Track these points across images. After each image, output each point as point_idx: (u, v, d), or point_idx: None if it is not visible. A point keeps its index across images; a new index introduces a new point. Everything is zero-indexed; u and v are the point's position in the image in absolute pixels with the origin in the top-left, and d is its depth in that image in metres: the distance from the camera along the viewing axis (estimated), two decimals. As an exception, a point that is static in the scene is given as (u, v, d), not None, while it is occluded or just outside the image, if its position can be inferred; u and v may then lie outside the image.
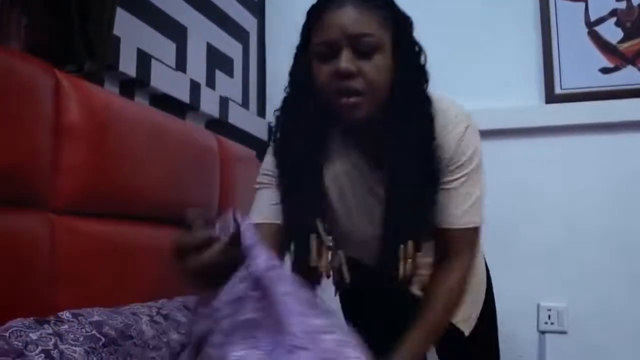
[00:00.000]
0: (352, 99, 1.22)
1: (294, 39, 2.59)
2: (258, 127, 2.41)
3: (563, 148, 2.28)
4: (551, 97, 2.31)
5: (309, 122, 1.32)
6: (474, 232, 1.35)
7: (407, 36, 1.30)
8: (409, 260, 1.31)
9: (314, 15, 1.31)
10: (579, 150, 2.27)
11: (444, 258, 1.36)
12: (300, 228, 1.34)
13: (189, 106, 1.91)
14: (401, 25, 1.29)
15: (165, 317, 1.35)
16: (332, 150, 1.37)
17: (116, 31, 1.53)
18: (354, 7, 1.23)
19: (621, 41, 2.29)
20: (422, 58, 1.33)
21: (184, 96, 1.87)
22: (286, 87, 1.42)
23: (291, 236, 1.36)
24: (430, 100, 1.31)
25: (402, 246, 1.30)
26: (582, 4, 2.33)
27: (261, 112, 2.53)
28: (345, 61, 1.21)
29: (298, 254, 1.36)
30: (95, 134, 1.34)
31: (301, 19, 2.61)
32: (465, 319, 1.48)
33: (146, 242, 1.50)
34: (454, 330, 1.45)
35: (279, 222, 1.35)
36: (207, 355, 0.98)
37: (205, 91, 2.00)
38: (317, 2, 1.31)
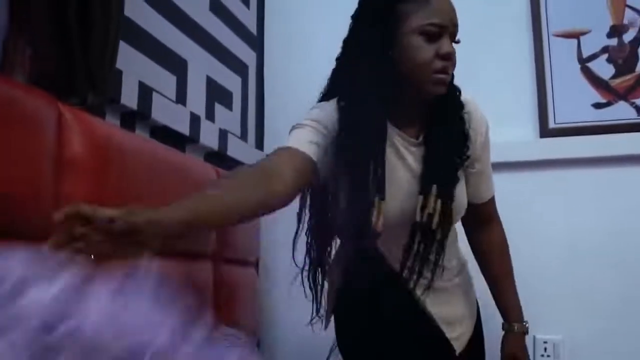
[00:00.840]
0: (444, 76, 1.42)
1: (293, 72, 2.66)
2: (256, 159, 2.42)
3: (558, 181, 2.31)
4: (545, 131, 2.34)
5: (381, 91, 1.42)
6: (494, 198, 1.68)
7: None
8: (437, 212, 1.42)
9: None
10: (574, 184, 2.29)
11: (482, 224, 1.68)
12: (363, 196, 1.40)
13: (188, 138, 1.94)
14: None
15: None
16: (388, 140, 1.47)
17: (118, 64, 1.56)
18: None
19: (613, 77, 2.33)
20: None
21: (184, 129, 1.89)
22: (354, 55, 1.51)
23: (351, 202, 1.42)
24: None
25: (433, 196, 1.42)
26: (575, 41, 2.38)
27: (259, 144, 2.56)
28: (450, 46, 1.41)
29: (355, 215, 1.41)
30: (96, 165, 1.36)
31: (299, 53, 2.67)
32: (459, 337, 1.55)
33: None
34: (447, 347, 1.51)
35: (314, 159, 1.40)
36: None
37: (204, 124, 2.03)
38: None
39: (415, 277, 1.45)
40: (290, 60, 2.68)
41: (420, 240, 1.44)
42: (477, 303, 1.71)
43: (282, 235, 2.52)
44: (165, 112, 1.80)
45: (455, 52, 1.42)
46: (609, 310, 2.18)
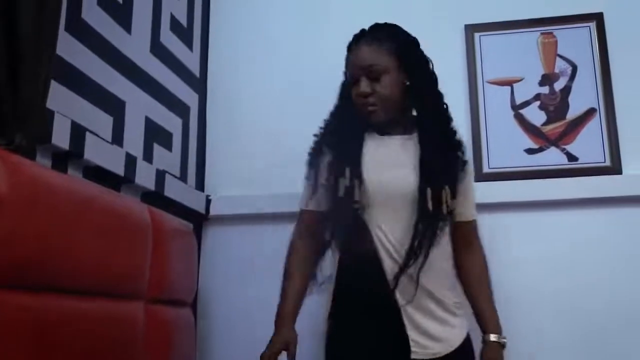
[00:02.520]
0: (369, 108, 1.81)
1: (236, 113, 2.69)
2: (196, 200, 2.44)
3: (492, 225, 2.34)
4: (480, 175, 2.39)
5: (349, 122, 1.88)
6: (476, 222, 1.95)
7: (410, 56, 1.84)
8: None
9: (346, 56, 1.88)
10: (507, 227, 2.35)
11: (466, 245, 1.92)
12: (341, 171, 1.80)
13: (124, 179, 1.94)
14: (404, 49, 1.82)
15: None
16: (367, 139, 1.87)
17: (50, 104, 1.56)
18: (365, 45, 1.81)
19: (545, 124, 2.42)
20: (430, 66, 1.89)
21: (119, 169, 1.89)
22: (336, 102, 1.95)
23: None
24: (442, 95, 1.89)
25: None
26: (508, 88, 2.46)
27: (200, 185, 2.57)
28: (363, 86, 1.80)
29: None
30: (23, 207, 1.34)
31: (242, 95, 2.70)
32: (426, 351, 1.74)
33: (74, 314, 1.49)
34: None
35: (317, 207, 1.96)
36: None
37: (141, 164, 2.03)
38: (348, 45, 1.88)
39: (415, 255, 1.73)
40: (233, 102, 2.71)
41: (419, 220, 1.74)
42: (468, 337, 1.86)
43: (220, 276, 2.54)
44: (99, 153, 1.79)
45: (374, 87, 1.80)
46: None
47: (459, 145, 1.89)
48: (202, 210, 2.48)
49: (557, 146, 2.39)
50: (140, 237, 1.80)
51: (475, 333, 1.89)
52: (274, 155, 2.61)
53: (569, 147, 2.38)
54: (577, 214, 2.36)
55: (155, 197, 2.13)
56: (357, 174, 1.78)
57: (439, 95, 1.89)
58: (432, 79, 1.89)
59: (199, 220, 2.52)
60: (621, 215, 2.33)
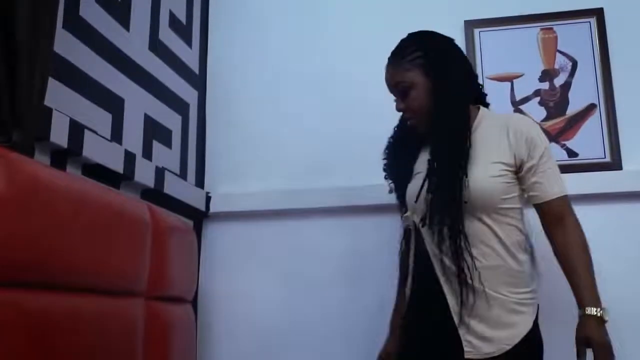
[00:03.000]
0: (409, 123, 1.87)
1: (235, 110, 2.68)
2: (196, 198, 2.44)
3: None
4: (480, 171, 2.39)
5: (404, 136, 1.98)
6: (566, 198, 1.80)
7: (435, 63, 1.82)
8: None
9: None
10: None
11: (553, 224, 1.80)
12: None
13: (123, 176, 1.93)
14: (428, 59, 1.82)
15: (84, 388, 1.35)
16: (422, 152, 1.92)
17: (48, 102, 1.56)
18: (390, 64, 1.87)
19: (545, 119, 2.41)
20: (460, 71, 1.85)
21: (118, 166, 1.89)
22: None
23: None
24: (466, 102, 1.84)
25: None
26: (508, 84, 2.46)
27: (200, 182, 2.57)
28: (397, 103, 1.87)
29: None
30: (21, 204, 1.35)
31: (242, 92, 2.70)
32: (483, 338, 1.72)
33: (73, 312, 1.50)
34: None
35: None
36: None
37: (140, 161, 2.03)
38: None
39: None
40: (232, 98, 2.71)
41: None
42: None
43: (221, 273, 2.54)
44: (98, 150, 1.79)
45: (406, 103, 1.84)
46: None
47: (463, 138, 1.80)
48: (202, 208, 2.48)
49: (557, 142, 2.38)
50: (140, 234, 1.80)
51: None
52: (273, 152, 2.61)
53: (569, 143, 2.38)
54: (577, 210, 2.33)
55: (155, 195, 2.13)
56: (399, 191, 1.95)
57: (464, 95, 1.84)
58: (459, 79, 1.84)
59: (199, 217, 2.52)
60: (621, 210, 2.32)
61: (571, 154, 2.37)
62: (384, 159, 2.01)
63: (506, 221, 1.78)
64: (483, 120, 1.85)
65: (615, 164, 2.32)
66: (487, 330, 1.71)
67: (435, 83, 1.80)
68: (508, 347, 1.70)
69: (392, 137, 2.01)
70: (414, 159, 1.92)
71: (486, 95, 1.99)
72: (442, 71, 1.81)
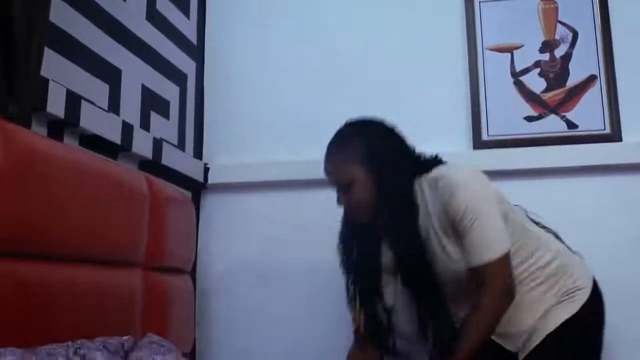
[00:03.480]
0: (351, 216, 1.86)
1: (233, 81, 2.67)
2: (194, 169, 2.43)
3: None
4: (479, 143, 2.39)
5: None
6: (493, 265, 1.66)
7: (374, 157, 1.75)
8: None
9: None
10: (506, 195, 2.33)
11: (476, 287, 1.69)
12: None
13: (120, 147, 1.93)
14: (367, 153, 1.75)
15: (83, 357, 1.35)
16: None
17: (45, 72, 1.55)
18: (330, 158, 1.82)
19: (544, 91, 2.40)
20: (400, 157, 1.79)
21: (116, 137, 1.88)
22: None
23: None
24: (410, 185, 1.77)
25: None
26: (508, 55, 2.44)
27: (198, 153, 2.56)
28: (337, 197, 1.82)
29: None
30: (18, 175, 1.34)
31: (240, 62, 2.68)
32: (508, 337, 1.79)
33: (69, 282, 1.50)
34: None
35: None
36: None
37: (138, 132, 2.02)
38: None
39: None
40: (230, 70, 2.69)
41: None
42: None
43: (219, 244, 2.54)
44: (95, 121, 1.78)
45: (346, 198, 1.80)
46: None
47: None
48: (200, 179, 2.48)
49: (557, 113, 2.38)
50: (138, 205, 1.80)
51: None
52: (272, 123, 2.60)
53: (569, 115, 2.37)
54: (576, 182, 2.36)
55: (153, 166, 2.13)
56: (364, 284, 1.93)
57: (410, 187, 1.78)
58: (402, 167, 1.78)
59: (197, 188, 2.52)
60: (621, 182, 2.32)
61: (571, 125, 2.36)
62: (341, 251, 1.91)
63: None
64: (424, 191, 1.78)
65: (615, 136, 2.32)
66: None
67: (377, 177, 1.75)
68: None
69: (343, 229, 1.92)
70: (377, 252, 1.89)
71: (421, 159, 1.86)
72: (383, 163, 1.75)
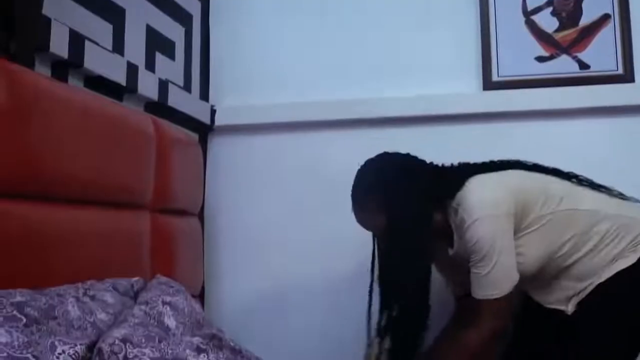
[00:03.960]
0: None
1: (239, 21, 2.62)
2: (201, 111, 2.41)
3: (500, 134, 2.33)
4: (489, 84, 2.35)
5: None
6: (491, 302, 1.70)
7: (394, 202, 1.75)
8: None
9: None
10: (516, 136, 2.32)
11: (468, 316, 1.77)
12: None
13: (125, 88, 1.90)
14: (387, 202, 1.75)
15: (92, 297, 1.36)
16: None
17: (47, 11, 1.52)
18: (355, 211, 1.81)
19: (557, 30, 2.35)
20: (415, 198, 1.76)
21: (120, 78, 1.86)
22: None
23: None
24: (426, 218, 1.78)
25: None
26: (520, -7, 2.38)
27: (204, 95, 2.53)
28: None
29: None
30: (22, 116, 1.33)
31: (246, 3, 2.62)
32: (557, 301, 1.81)
33: (76, 224, 1.51)
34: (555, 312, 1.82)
35: None
36: None
37: (143, 74, 1.99)
38: None
39: None
40: (237, 9, 2.63)
41: None
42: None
43: (226, 186, 2.54)
44: (99, 62, 1.75)
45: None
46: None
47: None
48: (207, 121, 2.46)
49: (569, 54, 2.33)
50: (144, 146, 1.79)
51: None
52: (279, 64, 2.56)
53: (581, 55, 2.32)
54: (587, 123, 2.33)
55: (159, 108, 2.10)
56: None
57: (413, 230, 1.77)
58: (413, 210, 1.77)
59: (204, 130, 2.50)
60: (633, 124, 2.29)
61: (583, 66, 2.32)
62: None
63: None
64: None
65: (628, 77, 2.28)
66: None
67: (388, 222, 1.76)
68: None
69: None
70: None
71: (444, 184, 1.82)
72: (399, 208, 1.75)
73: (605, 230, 1.75)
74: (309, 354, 2.37)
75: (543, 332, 1.88)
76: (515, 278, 1.70)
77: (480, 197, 1.71)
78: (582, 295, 1.77)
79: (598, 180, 1.92)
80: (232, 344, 1.50)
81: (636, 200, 1.87)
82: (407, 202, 1.75)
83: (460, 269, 1.82)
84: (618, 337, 1.73)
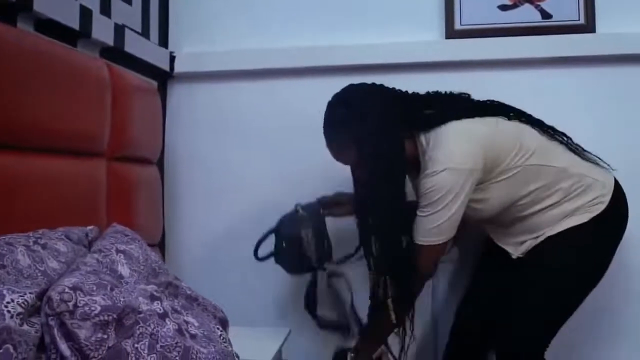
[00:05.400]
0: None
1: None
2: (159, 57, 2.36)
3: (463, 83, 2.26)
4: (451, 32, 2.34)
5: None
6: (428, 248, 1.77)
7: (365, 128, 1.76)
8: None
9: None
10: (478, 85, 2.28)
11: None
12: None
13: (79, 33, 1.85)
14: (358, 134, 1.76)
15: (44, 246, 1.34)
16: None
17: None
18: (328, 147, 1.85)
19: (520, -22, 2.33)
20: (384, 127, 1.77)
21: (73, 22, 1.80)
22: None
23: None
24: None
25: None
26: (483, -56, 2.35)
27: (163, 41, 2.47)
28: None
29: None
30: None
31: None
32: (508, 244, 1.92)
33: (29, 172, 1.48)
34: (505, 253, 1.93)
35: None
36: None
37: (98, 18, 1.93)
38: None
39: None
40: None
41: None
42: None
43: (187, 134, 2.51)
44: (50, 5, 1.69)
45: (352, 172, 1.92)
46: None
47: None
48: (166, 68, 2.41)
49: (532, 3, 2.31)
50: (99, 93, 1.75)
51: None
52: (241, 9, 2.51)
53: (544, 4, 2.31)
54: (549, 73, 2.34)
55: (115, 54, 2.05)
56: None
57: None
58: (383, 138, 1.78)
59: (164, 78, 2.46)
60: (594, 74, 2.31)
61: (545, 15, 2.31)
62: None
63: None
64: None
65: (589, 27, 2.27)
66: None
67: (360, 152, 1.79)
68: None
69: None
70: None
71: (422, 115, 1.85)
72: (370, 141, 1.76)
73: (568, 187, 1.80)
74: (269, 296, 2.41)
75: (500, 267, 1.96)
76: (452, 233, 1.77)
77: (452, 149, 1.72)
78: (533, 243, 1.84)
79: (559, 128, 1.94)
80: (188, 291, 1.50)
81: (608, 166, 1.90)
82: (378, 127, 1.76)
83: None
84: (557, 288, 1.81)
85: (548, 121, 1.94)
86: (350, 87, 1.85)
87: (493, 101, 1.89)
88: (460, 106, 1.83)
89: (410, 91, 1.90)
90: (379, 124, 1.77)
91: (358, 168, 1.86)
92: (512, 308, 1.87)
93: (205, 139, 2.51)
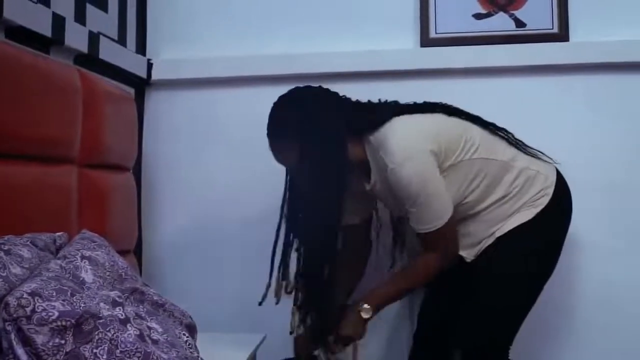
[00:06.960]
0: None
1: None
2: (136, 64, 2.37)
3: (437, 91, 2.29)
4: (426, 41, 2.36)
5: None
6: (434, 233, 1.79)
7: (310, 138, 1.77)
8: None
9: None
10: (453, 94, 2.30)
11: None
12: None
13: (52, 41, 1.85)
14: (301, 136, 1.77)
15: (7, 252, 1.34)
16: None
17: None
18: (272, 149, 1.86)
19: (494, -13, 2.35)
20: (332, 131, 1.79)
21: (46, 30, 1.81)
22: None
23: None
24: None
25: None
26: (456, -49, 2.37)
27: (141, 48, 2.48)
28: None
29: None
30: None
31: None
32: (466, 247, 1.89)
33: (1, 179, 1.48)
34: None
35: None
36: None
37: (72, 26, 1.93)
38: None
39: None
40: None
41: None
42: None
43: (165, 141, 2.52)
44: (22, 12, 1.70)
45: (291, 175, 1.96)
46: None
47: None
48: (144, 75, 2.42)
49: (506, 11, 2.34)
50: (69, 99, 1.76)
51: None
52: (220, 15, 2.52)
53: (518, 13, 2.34)
54: (524, 81, 2.36)
55: (91, 61, 2.06)
56: None
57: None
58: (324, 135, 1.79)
59: (141, 85, 2.46)
60: (567, 82, 2.33)
61: (519, 24, 2.33)
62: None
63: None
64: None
65: (562, 35, 2.30)
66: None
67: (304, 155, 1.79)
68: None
69: None
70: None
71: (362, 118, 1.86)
72: (315, 143, 1.77)
73: (511, 181, 1.84)
74: (244, 298, 2.40)
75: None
76: (450, 205, 1.79)
77: (402, 139, 1.75)
78: (486, 244, 1.86)
79: (530, 137, 1.96)
80: (155, 297, 1.50)
81: (549, 158, 1.94)
82: (320, 130, 1.78)
83: (373, 203, 2.07)
84: (508, 292, 1.84)
85: (523, 129, 1.99)
86: (297, 89, 1.87)
87: (432, 102, 1.93)
88: (400, 108, 1.86)
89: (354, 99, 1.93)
90: (323, 126, 1.78)
91: (299, 170, 1.85)
92: (467, 311, 1.89)
93: (183, 146, 2.52)
